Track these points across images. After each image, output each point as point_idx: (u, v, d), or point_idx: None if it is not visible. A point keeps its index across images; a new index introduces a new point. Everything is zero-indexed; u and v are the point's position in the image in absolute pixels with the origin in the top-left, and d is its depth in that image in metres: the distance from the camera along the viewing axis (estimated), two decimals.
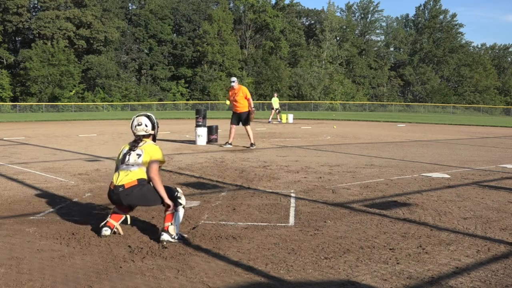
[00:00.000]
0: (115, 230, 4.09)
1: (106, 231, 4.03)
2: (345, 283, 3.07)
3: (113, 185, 4.02)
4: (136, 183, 3.97)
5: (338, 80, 63.74)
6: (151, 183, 4.05)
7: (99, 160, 9.02)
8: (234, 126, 11.98)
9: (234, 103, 11.76)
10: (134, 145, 4.12)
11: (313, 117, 34.78)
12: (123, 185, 3.96)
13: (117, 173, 4.08)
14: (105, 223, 4.09)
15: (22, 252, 3.65)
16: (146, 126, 4.14)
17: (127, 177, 3.99)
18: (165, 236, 3.88)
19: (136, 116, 4.24)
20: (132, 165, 4.04)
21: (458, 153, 10.99)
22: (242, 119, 11.78)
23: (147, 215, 4.77)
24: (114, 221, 4.10)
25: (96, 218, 4.64)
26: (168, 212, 3.98)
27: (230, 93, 11.96)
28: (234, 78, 12.03)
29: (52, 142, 12.95)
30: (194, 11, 64.06)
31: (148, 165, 4.03)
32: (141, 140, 4.14)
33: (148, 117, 4.20)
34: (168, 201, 3.99)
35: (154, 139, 4.28)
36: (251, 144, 11.68)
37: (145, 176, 4.04)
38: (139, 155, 4.04)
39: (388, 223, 4.56)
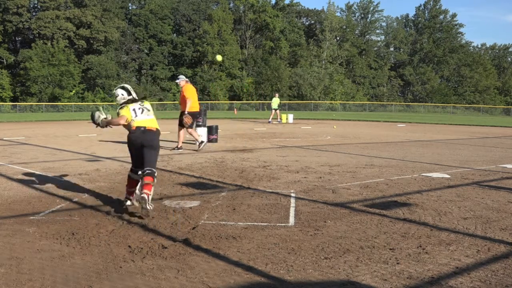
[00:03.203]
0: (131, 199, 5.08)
1: (128, 202, 5.04)
2: (345, 283, 3.07)
3: (135, 126, 4.94)
4: (155, 129, 5.05)
5: (338, 80, 63.70)
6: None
7: (99, 160, 9.02)
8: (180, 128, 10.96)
9: (181, 104, 11.00)
10: (139, 102, 5.15)
11: (313, 117, 34.78)
12: (145, 127, 4.97)
13: (140, 121, 4.98)
14: (126, 198, 5.11)
15: (22, 252, 3.65)
16: (122, 95, 5.14)
17: (151, 123, 5.05)
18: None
19: (114, 90, 5.23)
20: (148, 116, 5.10)
21: (458, 153, 10.99)
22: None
23: None
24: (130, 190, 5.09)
25: (96, 218, 4.65)
26: (148, 183, 4.72)
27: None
28: (180, 76, 11.25)
29: (52, 142, 12.95)
30: (194, 11, 64.04)
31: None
32: (139, 100, 5.16)
33: (122, 87, 5.19)
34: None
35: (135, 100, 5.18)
36: (177, 147, 10.73)
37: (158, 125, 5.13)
38: (148, 109, 5.11)
39: (388, 223, 4.56)
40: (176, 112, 46.15)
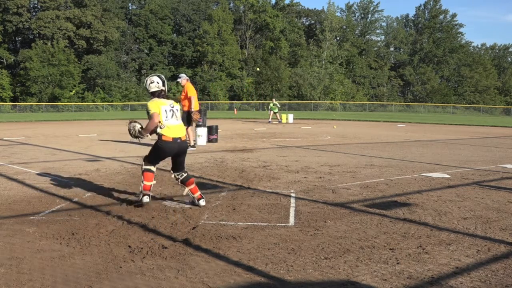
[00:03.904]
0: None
1: (146, 199, 5.03)
2: (345, 283, 3.07)
3: (172, 137, 4.98)
4: (185, 137, 5.17)
5: (338, 80, 63.71)
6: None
7: (99, 160, 9.01)
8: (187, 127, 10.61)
9: (183, 102, 11.01)
10: (170, 103, 5.13)
11: (313, 117, 34.79)
12: (180, 138, 5.06)
13: (172, 127, 5.00)
14: (143, 194, 5.05)
15: (22, 252, 3.65)
16: (158, 82, 5.17)
17: (182, 131, 5.11)
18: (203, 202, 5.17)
19: (149, 76, 5.26)
20: (177, 121, 5.12)
21: (458, 153, 10.99)
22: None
23: (147, 215, 4.77)
24: (149, 183, 5.09)
25: (96, 218, 4.65)
26: (193, 186, 5.13)
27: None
28: (181, 75, 11.35)
29: (52, 142, 12.94)
30: (194, 11, 64.06)
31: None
32: (169, 99, 5.22)
33: (159, 76, 5.26)
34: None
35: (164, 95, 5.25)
36: (191, 146, 10.81)
37: None
38: (176, 114, 5.13)
39: (388, 223, 4.56)
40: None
